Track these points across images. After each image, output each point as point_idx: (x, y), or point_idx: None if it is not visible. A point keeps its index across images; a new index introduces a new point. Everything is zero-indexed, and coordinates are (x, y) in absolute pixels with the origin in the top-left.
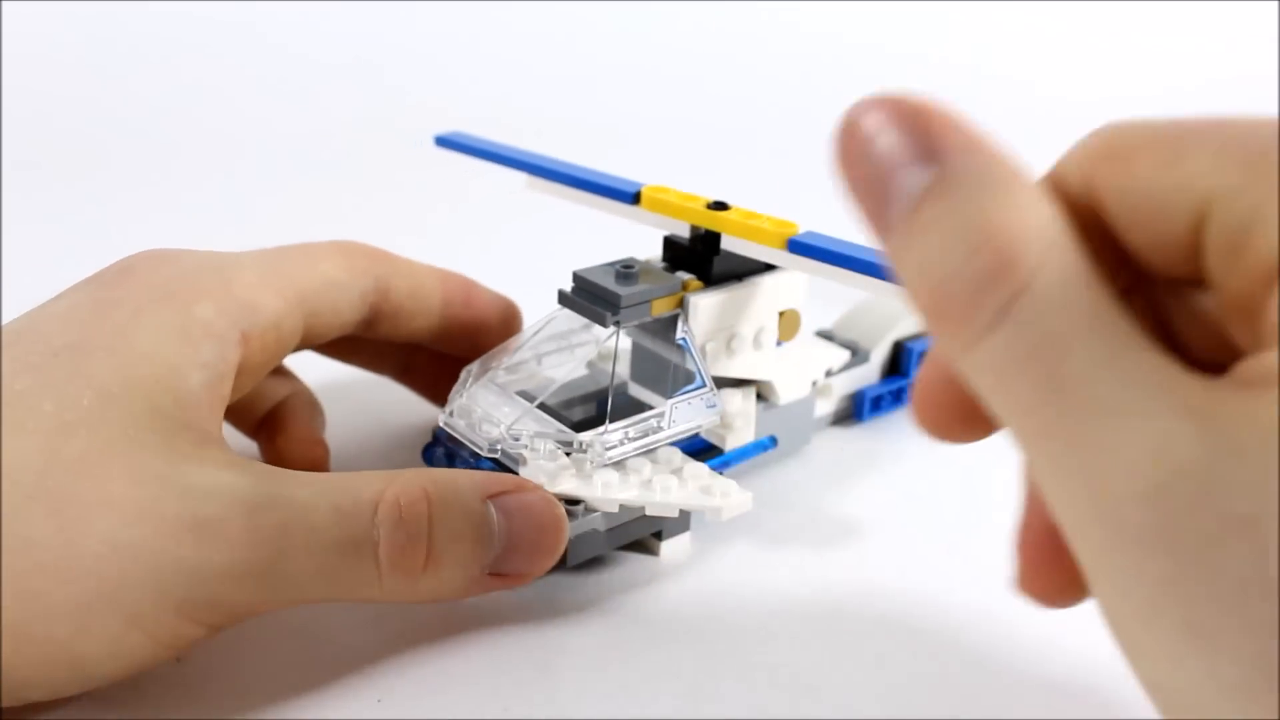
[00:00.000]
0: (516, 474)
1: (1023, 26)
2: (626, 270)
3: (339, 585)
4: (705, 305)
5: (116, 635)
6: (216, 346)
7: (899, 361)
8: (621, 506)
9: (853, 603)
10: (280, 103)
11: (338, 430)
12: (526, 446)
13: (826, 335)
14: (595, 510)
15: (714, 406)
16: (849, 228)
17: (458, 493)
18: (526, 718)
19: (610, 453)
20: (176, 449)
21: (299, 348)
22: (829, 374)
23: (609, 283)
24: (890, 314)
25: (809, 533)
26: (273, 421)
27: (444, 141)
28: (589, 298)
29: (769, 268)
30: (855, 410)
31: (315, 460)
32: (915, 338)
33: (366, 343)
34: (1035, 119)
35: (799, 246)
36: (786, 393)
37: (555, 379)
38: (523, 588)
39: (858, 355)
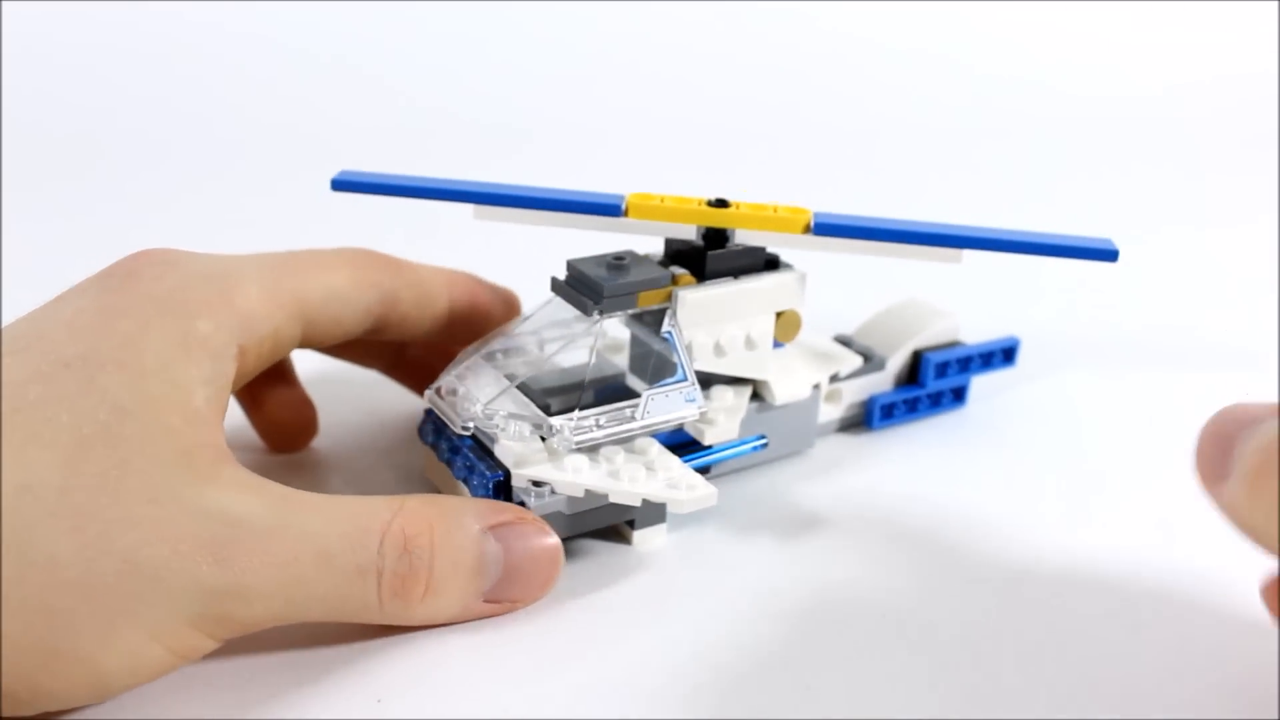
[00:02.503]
0: (492, 451)
1: (1011, 23)
2: (618, 262)
3: (341, 608)
4: (693, 300)
5: (137, 649)
6: (215, 363)
7: (917, 371)
8: (587, 492)
9: (826, 601)
10: (279, 101)
11: (333, 421)
12: (499, 426)
13: (845, 341)
14: (560, 493)
15: (693, 400)
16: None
17: (461, 524)
18: (526, 718)
19: (579, 438)
20: (193, 468)
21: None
22: (835, 379)
23: (598, 273)
24: (910, 323)
25: (787, 531)
26: (259, 384)
27: (340, 184)
28: (578, 286)
29: (771, 267)
30: (866, 417)
31: (306, 422)
32: (935, 348)
33: (358, 341)
34: (1032, 115)
35: (823, 227)
36: (782, 393)
37: (555, 364)
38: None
39: (872, 362)
